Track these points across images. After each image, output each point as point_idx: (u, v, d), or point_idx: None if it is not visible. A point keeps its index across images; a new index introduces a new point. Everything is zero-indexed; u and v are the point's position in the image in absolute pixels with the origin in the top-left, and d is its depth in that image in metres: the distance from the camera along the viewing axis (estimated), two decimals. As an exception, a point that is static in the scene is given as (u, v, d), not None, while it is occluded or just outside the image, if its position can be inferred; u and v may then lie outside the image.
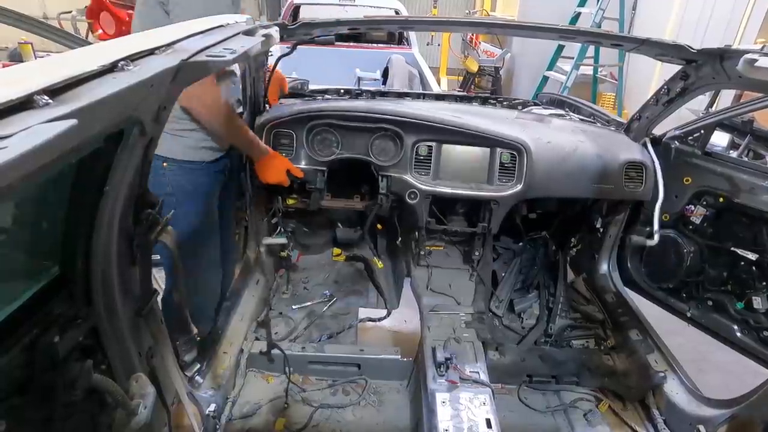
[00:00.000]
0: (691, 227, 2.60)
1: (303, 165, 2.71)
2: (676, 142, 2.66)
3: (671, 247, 2.65)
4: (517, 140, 2.61)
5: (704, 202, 2.54)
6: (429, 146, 2.67)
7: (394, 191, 2.73)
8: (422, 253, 3.00)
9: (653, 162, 2.66)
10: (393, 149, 2.68)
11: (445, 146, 2.69)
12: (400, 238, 3.17)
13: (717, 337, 2.53)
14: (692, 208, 2.58)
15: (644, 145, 2.75)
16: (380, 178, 2.73)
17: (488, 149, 2.67)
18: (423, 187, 2.68)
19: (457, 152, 2.70)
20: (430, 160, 2.69)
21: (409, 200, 2.70)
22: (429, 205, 2.75)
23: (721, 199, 2.46)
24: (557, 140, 2.68)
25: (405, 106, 2.76)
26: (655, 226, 2.54)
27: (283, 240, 3.03)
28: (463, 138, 2.65)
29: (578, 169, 2.65)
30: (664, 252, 2.63)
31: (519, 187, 2.65)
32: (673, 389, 2.36)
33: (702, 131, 2.57)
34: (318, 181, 2.75)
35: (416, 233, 2.94)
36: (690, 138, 2.63)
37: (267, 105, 2.81)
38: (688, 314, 2.63)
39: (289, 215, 3.17)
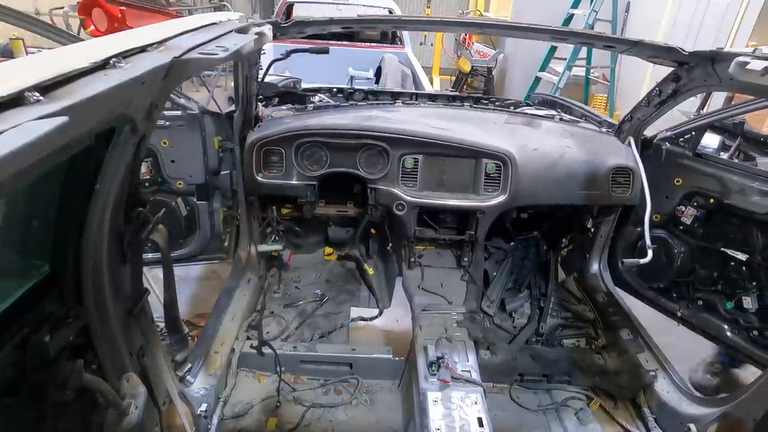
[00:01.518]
0: (681, 228, 2.62)
1: (294, 181, 2.76)
2: (667, 143, 2.68)
3: (662, 247, 2.67)
4: (503, 151, 2.65)
5: (695, 203, 2.56)
6: (415, 159, 2.72)
7: (382, 203, 2.79)
8: (413, 260, 3.02)
9: (637, 163, 2.68)
10: (380, 163, 2.73)
11: (431, 158, 2.73)
12: (390, 244, 3.20)
13: (707, 337, 2.56)
14: (683, 208, 2.60)
15: (629, 144, 2.78)
16: (369, 190, 2.78)
17: (473, 160, 2.71)
18: (410, 198, 2.74)
19: (443, 164, 2.75)
20: (417, 172, 2.74)
21: (396, 211, 2.76)
22: (417, 216, 2.81)
23: (711, 200, 2.48)
24: (544, 147, 2.71)
25: (391, 120, 2.78)
26: (647, 241, 2.45)
27: (278, 247, 3.10)
28: (449, 150, 2.69)
29: (565, 176, 2.69)
30: (655, 252, 2.65)
31: (504, 197, 2.70)
32: (664, 388, 2.37)
33: (693, 133, 2.59)
34: (309, 195, 2.81)
35: (406, 240, 2.97)
36: (681, 139, 2.65)
37: (260, 120, 2.82)
38: (679, 314, 2.65)
39: (282, 217, 3.19)
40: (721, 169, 2.46)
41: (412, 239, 2.92)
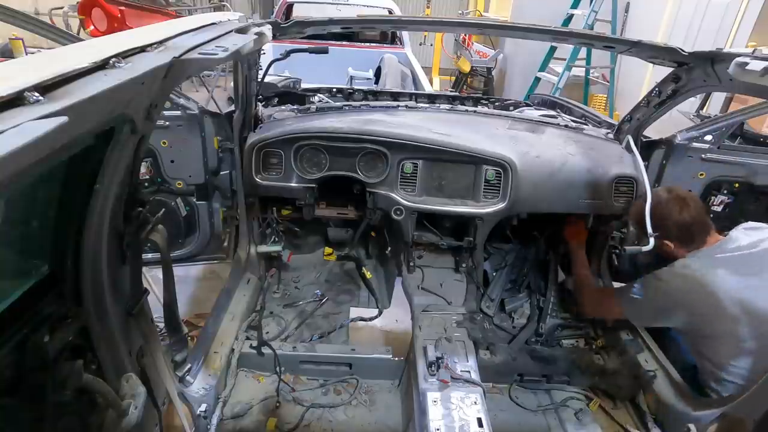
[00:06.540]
0: (712, 216, 2.67)
1: (293, 183, 2.76)
2: (693, 142, 2.72)
3: None
4: (503, 158, 2.63)
5: (725, 191, 2.75)
6: (414, 164, 2.71)
7: (380, 207, 2.78)
8: (412, 264, 3.02)
9: (639, 167, 2.67)
10: (379, 167, 2.72)
11: (430, 163, 2.72)
12: (389, 248, 3.20)
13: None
14: (713, 198, 2.77)
15: (627, 143, 2.77)
16: (367, 194, 2.77)
17: (473, 166, 2.71)
18: (408, 203, 2.73)
19: (443, 169, 2.74)
20: (416, 177, 2.73)
21: (395, 216, 2.75)
22: (415, 221, 2.80)
23: (736, 185, 2.71)
24: (547, 154, 2.70)
25: (391, 124, 2.77)
26: (648, 229, 2.39)
27: (277, 248, 3.09)
28: (448, 156, 2.68)
29: (566, 185, 2.68)
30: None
31: (503, 204, 2.69)
32: (663, 388, 2.37)
33: (723, 129, 2.71)
34: (308, 197, 2.81)
35: (404, 245, 2.97)
36: (705, 137, 2.74)
37: (260, 121, 2.82)
38: None
39: (282, 217, 3.19)
40: (745, 155, 2.63)
41: (410, 244, 2.92)
